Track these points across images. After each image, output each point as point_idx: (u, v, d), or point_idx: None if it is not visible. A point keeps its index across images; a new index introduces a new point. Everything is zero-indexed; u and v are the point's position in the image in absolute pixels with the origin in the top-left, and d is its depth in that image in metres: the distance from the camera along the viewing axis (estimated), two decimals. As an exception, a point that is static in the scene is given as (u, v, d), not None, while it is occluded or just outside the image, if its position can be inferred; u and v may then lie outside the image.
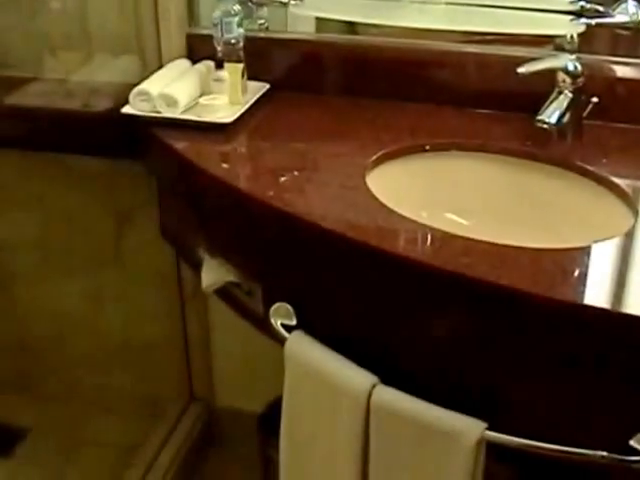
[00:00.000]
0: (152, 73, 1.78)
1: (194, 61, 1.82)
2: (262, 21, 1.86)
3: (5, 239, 2.25)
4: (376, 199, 1.34)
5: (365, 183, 1.39)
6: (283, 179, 1.43)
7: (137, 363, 2.30)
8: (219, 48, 1.72)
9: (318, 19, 1.87)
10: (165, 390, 2.33)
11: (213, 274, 1.51)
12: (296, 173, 1.45)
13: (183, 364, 2.27)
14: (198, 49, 1.84)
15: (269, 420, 1.96)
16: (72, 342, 2.36)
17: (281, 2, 1.81)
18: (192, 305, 2.16)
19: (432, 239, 1.24)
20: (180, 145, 1.57)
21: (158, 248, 2.04)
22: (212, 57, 1.76)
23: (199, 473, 2.27)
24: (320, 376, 1.28)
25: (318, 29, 1.88)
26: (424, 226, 1.27)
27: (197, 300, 2.15)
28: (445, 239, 1.23)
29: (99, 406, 2.41)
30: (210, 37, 1.76)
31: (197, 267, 1.63)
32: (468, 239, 1.20)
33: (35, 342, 2.41)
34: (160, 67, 1.82)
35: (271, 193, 1.36)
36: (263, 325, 1.43)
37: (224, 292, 1.55)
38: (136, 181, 1.99)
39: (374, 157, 1.49)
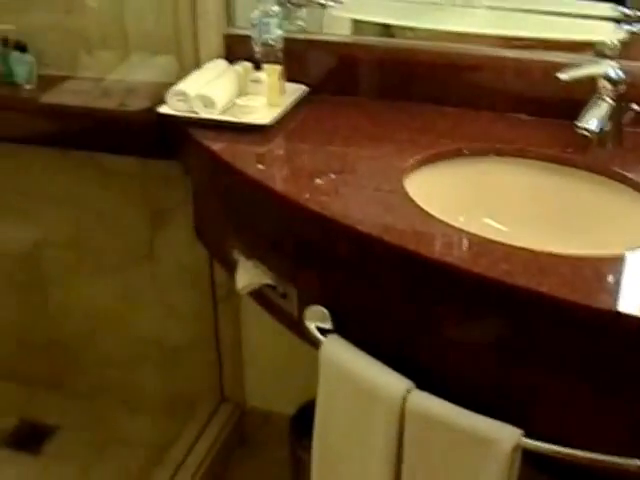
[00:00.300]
0: (189, 73, 1.80)
1: (231, 61, 1.83)
2: (300, 22, 1.86)
3: (40, 238, 2.28)
4: (413, 203, 1.34)
5: (402, 186, 1.40)
6: (320, 181, 1.43)
7: (168, 363, 2.32)
8: (257, 49, 1.74)
9: (354, 21, 1.88)
10: (196, 390, 2.34)
11: (248, 276, 1.53)
12: (333, 176, 1.46)
13: (214, 364, 2.28)
14: (235, 50, 1.85)
15: (301, 422, 1.97)
16: (104, 340, 2.38)
17: (320, 4, 1.80)
18: (225, 306, 2.18)
19: (471, 245, 1.24)
20: (217, 146, 1.59)
21: (191, 248, 2.06)
22: (249, 58, 1.78)
23: (229, 474, 2.29)
24: (355, 380, 1.28)
25: (354, 31, 1.89)
26: (462, 231, 1.27)
27: (230, 301, 2.16)
28: (484, 245, 1.23)
29: (129, 405, 2.43)
30: (247, 38, 1.77)
31: (231, 268, 1.64)
32: (507, 245, 1.21)
33: (67, 340, 2.43)
34: (197, 67, 1.83)
35: (307, 195, 1.37)
36: (297, 328, 1.44)
37: (258, 294, 1.56)
38: (170, 181, 2.01)
39: (411, 161, 1.50)
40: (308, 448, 1.82)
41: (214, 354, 2.26)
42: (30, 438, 2.43)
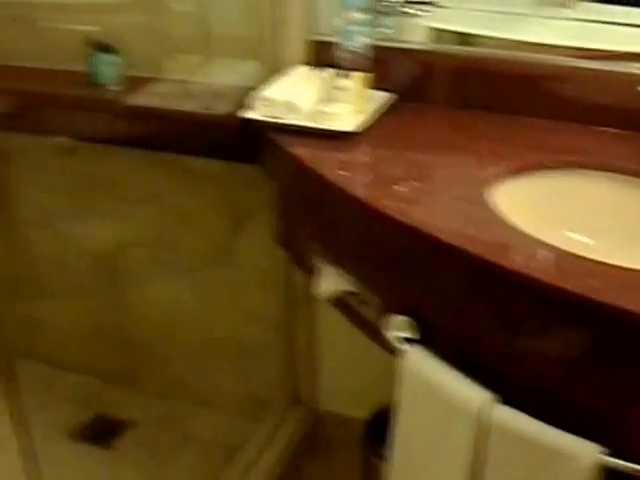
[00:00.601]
0: (272, 78, 1.82)
1: (315, 68, 1.85)
2: (385, 30, 1.86)
3: (121, 236, 2.32)
4: (496, 214, 1.35)
5: (484, 197, 1.40)
6: (401, 189, 1.44)
7: (243, 363, 2.35)
8: (343, 56, 1.75)
9: (431, 29, 1.88)
10: (269, 391, 2.37)
11: (330, 282, 1.54)
12: (414, 183, 1.47)
13: (289, 367, 2.30)
14: (319, 56, 1.87)
15: (375, 427, 1.98)
16: (179, 339, 2.42)
17: (407, 12, 1.81)
18: (301, 309, 2.20)
19: (555, 258, 1.24)
20: (300, 152, 1.60)
21: (270, 251, 2.08)
22: (332, 64, 1.79)
23: (299, 477, 2.31)
24: (437, 392, 1.29)
25: (432, 39, 1.89)
26: (545, 244, 1.27)
27: (307, 304, 2.18)
28: (568, 259, 1.23)
29: (203, 403, 2.47)
30: (331, 44, 1.79)
31: (311, 273, 1.66)
32: (593, 260, 1.21)
33: (144, 338, 2.48)
34: (280, 72, 1.85)
35: (390, 203, 1.38)
36: (377, 336, 1.45)
37: (339, 300, 1.57)
38: (252, 184, 2.03)
39: (493, 171, 1.50)
40: (381, 454, 1.83)
41: (289, 357, 2.28)
42: (104, 432, 2.48)
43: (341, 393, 2.30)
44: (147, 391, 2.55)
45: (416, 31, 1.87)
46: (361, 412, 2.12)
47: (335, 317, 1.71)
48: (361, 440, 2.04)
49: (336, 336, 2.21)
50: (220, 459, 2.30)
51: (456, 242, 1.26)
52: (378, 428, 2.02)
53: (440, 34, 1.87)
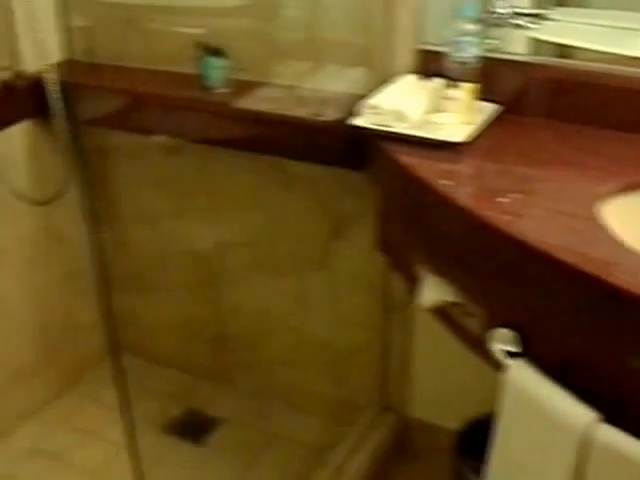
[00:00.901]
0: (381, 86, 1.83)
1: (423, 77, 1.85)
2: (494, 41, 1.85)
3: (221, 236, 2.35)
4: (608, 231, 1.33)
5: (594, 213, 1.39)
6: (509, 202, 1.44)
7: (335, 366, 2.36)
8: (452, 67, 1.75)
9: (531, 40, 1.86)
10: (360, 396, 2.38)
11: (433, 292, 1.54)
12: (523, 197, 1.46)
13: (382, 373, 2.31)
14: (428, 65, 1.87)
15: (466, 438, 1.98)
16: (273, 340, 2.44)
17: (517, 24, 1.80)
18: (397, 316, 2.20)
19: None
20: (407, 160, 1.61)
21: (369, 257, 2.10)
22: (440, 74, 1.79)
23: (387, 483, 2.32)
24: (539, 407, 1.28)
25: (531, 50, 1.87)
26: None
27: (403, 311, 2.18)
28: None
29: (293, 404, 2.49)
30: (439, 54, 1.79)
31: (412, 282, 1.66)
32: None
33: (238, 337, 2.51)
34: (388, 81, 1.86)
35: (497, 215, 1.37)
36: (479, 348, 1.45)
37: (440, 310, 1.57)
38: (354, 190, 2.04)
39: (603, 188, 1.48)
40: (472, 466, 1.83)
41: (382, 362, 2.28)
42: (195, 428, 2.51)
43: (432, 402, 2.30)
44: (239, 389, 2.58)
45: (517, 42, 1.85)
46: (451, 422, 2.12)
47: (431, 325, 1.71)
48: (451, 451, 2.04)
49: (431, 344, 2.21)
50: (308, 461, 2.31)
51: (567, 258, 1.25)
52: (470, 440, 2.01)
53: (540, 46, 1.85)
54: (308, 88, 2.00)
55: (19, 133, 2.35)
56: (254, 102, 2.00)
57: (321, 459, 2.25)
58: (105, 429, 2.54)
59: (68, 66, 2.34)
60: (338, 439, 2.30)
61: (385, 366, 2.29)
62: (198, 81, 2.12)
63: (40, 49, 2.19)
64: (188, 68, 2.15)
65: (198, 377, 2.65)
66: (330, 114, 1.89)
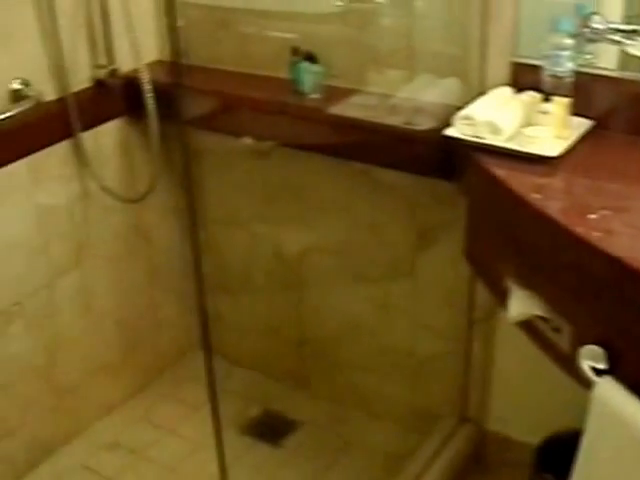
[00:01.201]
0: (474, 97, 1.85)
1: (516, 90, 1.86)
2: (586, 56, 1.86)
3: (306, 241, 2.39)
4: None
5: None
6: (601, 219, 1.45)
7: (414, 375, 2.39)
8: (547, 80, 1.76)
9: (623, 55, 1.86)
10: (438, 406, 2.40)
11: (521, 305, 1.56)
12: (616, 214, 1.47)
13: (461, 384, 2.32)
14: (522, 78, 1.89)
15: (545, 454, 1.99)
16: (354, 346, 2.48)
17: (614, 40, 1.80)
18: (480, 327, 2.22)
19: None
20: (499, 172, 1.63)
21: (453, 268, 2.13)
22: (535, 87, 1.81)
23: (463, 495, 2.33)
24: (627, 427, 1.29)
25: (621, 66, 1.86)
26: None
27: (486, 322, 2.20)
28: None
29: (371, 411, 2.52)
30: (534, 67, 1.80)
31: (499, 294, 1.68)
32: None
33: (319, 341, 2.55)
34: (482, 92, 1.88)
35: (588, 232, 1.39)
36: (565, 363, 1.47)
37: (527, 324, 1.59)
38: (442, 200, 2.07)
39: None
40: (551, 483, 1.84)
41: (462, 373, 2.30)
42: (272, 430, 2.55)
43: (511, 415, 2.30)
44: (317, 394, 2.61)
45: (607, 57, 1.86)
46: (530, 437, 2.13)
47: (513, 338, 1.73)
48: (529, 466, 2.05)
49: (512, 357, 2.21)
50: (383, 468, 2.34)
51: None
52: (549, 456, 2.02)
53: (631, 61, 1.84)
54: (401, 97, 2.02)
55: (111, 131, 2.42)
56: (347, 109, 2.03)
57: (397, 467, 2.27)
58: (183, 426, 2.60)
59: (161, 67, 2.40)
60: (414, 448, 2.32)
61: (465, 377, 2.31)
62: (290, 86, 2.16)
63: (135, 49, 2.25)
64: (280, 72, 2.19)
65: (277, 379, 2.69)
66: (422, 123, 1.91)
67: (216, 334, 2.58)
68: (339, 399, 2.56)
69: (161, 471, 2.42)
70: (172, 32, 1.54)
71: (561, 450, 1.95)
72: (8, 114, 2.08)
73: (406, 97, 2.02)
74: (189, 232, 1.62)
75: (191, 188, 1.61)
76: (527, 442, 2.14)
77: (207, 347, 1.74)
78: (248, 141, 2.20)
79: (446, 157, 1.82)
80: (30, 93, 2.12)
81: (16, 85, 2.11)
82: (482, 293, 2.11)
